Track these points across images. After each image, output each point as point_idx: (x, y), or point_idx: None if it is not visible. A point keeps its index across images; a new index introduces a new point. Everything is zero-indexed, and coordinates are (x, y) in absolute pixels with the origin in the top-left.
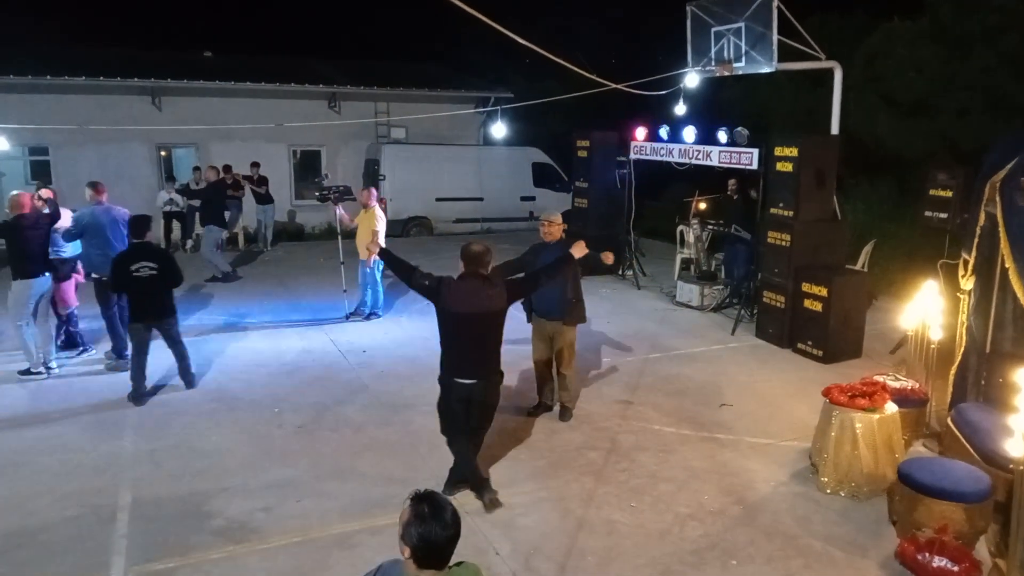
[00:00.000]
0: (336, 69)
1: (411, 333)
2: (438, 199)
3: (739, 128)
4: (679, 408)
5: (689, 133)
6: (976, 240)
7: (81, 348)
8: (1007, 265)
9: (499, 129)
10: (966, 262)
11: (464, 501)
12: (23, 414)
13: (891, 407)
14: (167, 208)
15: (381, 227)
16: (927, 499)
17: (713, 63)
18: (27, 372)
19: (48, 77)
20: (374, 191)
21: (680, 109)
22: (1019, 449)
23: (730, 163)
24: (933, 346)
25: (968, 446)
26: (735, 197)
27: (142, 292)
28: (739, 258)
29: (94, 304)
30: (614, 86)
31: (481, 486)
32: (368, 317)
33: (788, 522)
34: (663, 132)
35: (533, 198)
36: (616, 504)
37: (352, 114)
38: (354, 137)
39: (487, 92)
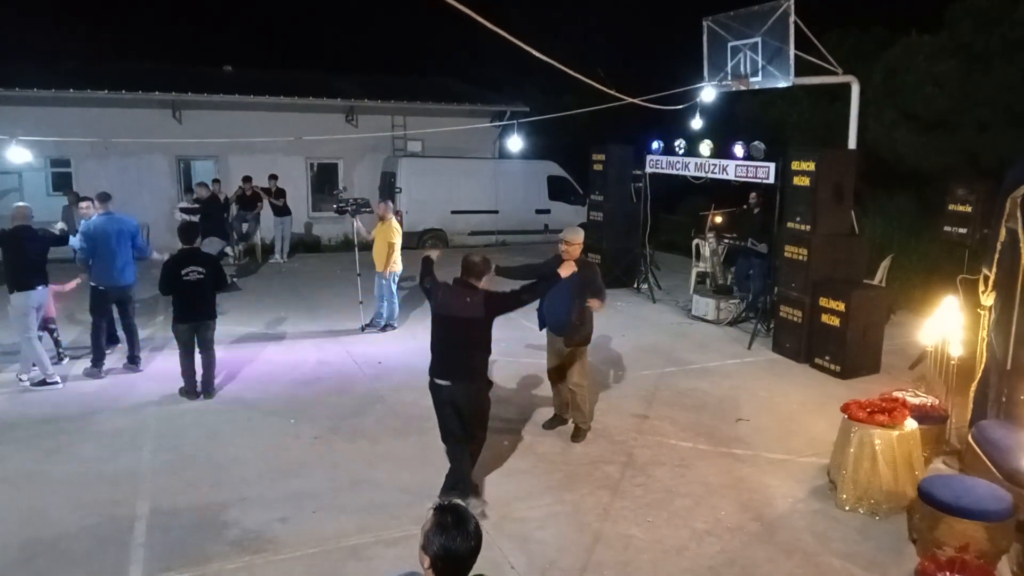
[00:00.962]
0: (354, 83)
1: (426, 345)
2: (454, 212)
3: (756, 142)
4: (696, 423)
5: (705, 147)
6: (996, 255)
7: (58, 358)
8: None
9: (515, 142)
10: (986, 277)
11: (480, 514)
12: (38, 424)
13: (911, 424)
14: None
15: (397, 240)
16: (948, 517)
17: (730, 77)
18: (42, 383)
19: (71, 91)
20: (391, 204)
21: (696, 123)
22: None
23: (746, 177)
24: (953, 362)
25: (989, 464)
26: (756, 211)
27: (190, 295)
28: (754, 272)
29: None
30: (631, 100)
31: (467, 494)
32: (384, 329)
33: (807, 539)
34: (679, 146)
35: (548, 211)
36: (632, 519)
37: (369, 127)
38: (371, 150)
39: (503, 106)
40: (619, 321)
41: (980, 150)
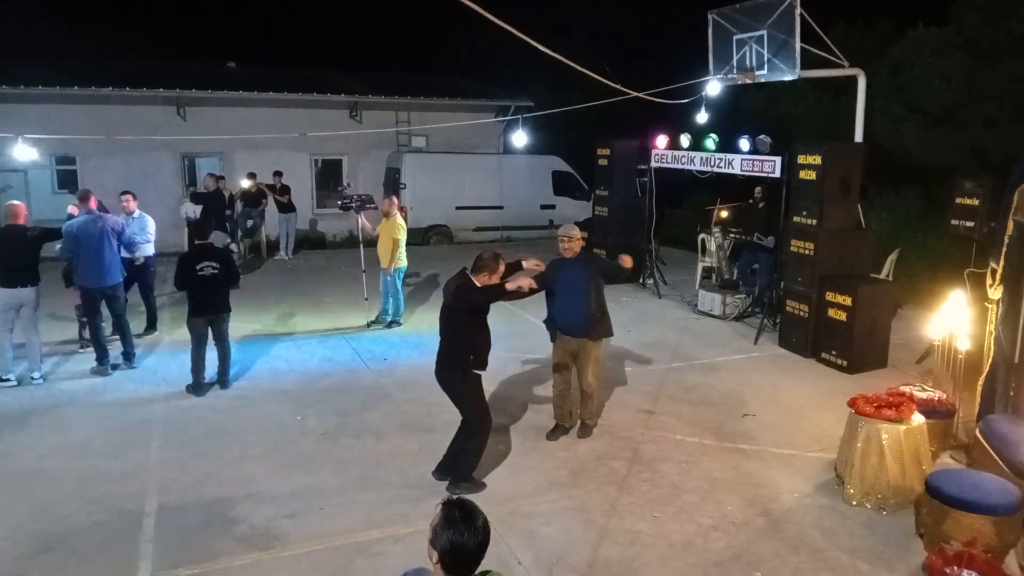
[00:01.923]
0: (357, 79)
1: (432, 341)
2: (458, 207)
3: (761, 136)
4: (702, 418)
5: (711, 141)
6: (1004, 249)
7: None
8: None
9: (519, 138)
10: (994, 271)
11: (489, 510)
12: (46, 420)
13: (918, 418)
14: (191, 216)
15: (402, 236)
16: (955, 511)
17: (735, 71)
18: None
19: (76, 88)
20: (395, 200)
21: (702, 117)
22: None
23: (752, 171)
24: (960, 356)
25: (997, 458)
26: (761, 205)
27: (205, 290)
28: (760, 266)
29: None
30: (636, 94)
31: (443, 472)
32: (389, 325)
33: (814, 534)
34: (684, 140)
35: (553, 206)
36: (639, 514)
37: (373, 123)
38: (375, 146)
39: (507, 101)
40: (625, 316)
41: (987, 144)
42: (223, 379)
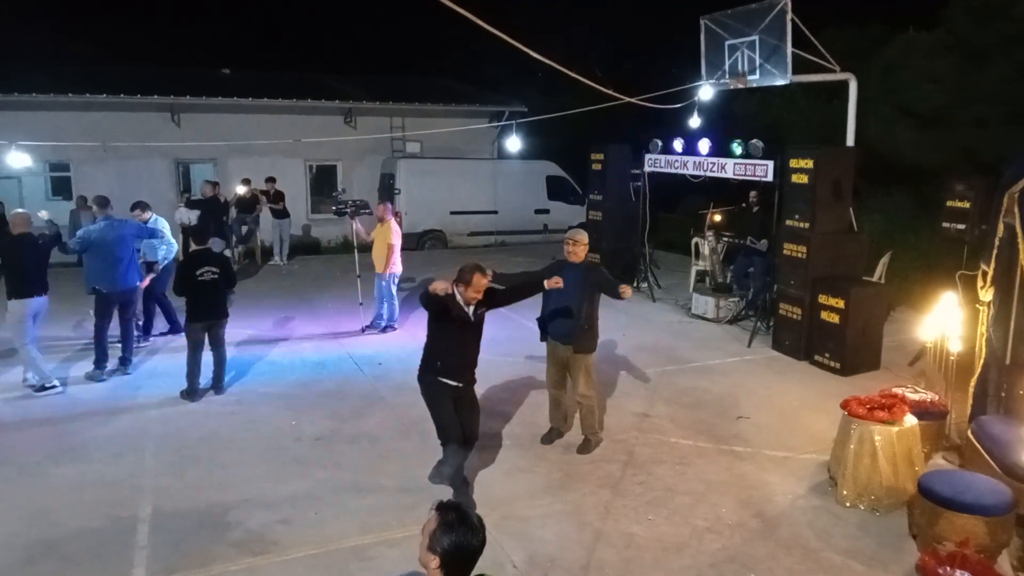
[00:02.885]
0: (352, 85)
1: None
2: (453, 212)
3: (754, 140)
4: (696, 421)
5: (704, 145)
6: (995, 251)
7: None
8: None
9: (513, 143)
10: (985, 273)
11: (483, 513)
12: (41, 426)
13: (910, 420)
14: (186, 222)
15: (397, 241)
16: (948, 512)
17: (727, 76)
18: (42, 388)
19: (70, 95)
20: (390, 205)
21: (695, 122)
22: None
23: (745, 175)
24: (952, 358)
25: (989, 459)
26: (755, 209)
27: (204, 295)
28: (754, 269)
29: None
30: (629, 99)
31: (436, 475)
32: (384, 330)
33: (807, 536)
34: (678, 145)
35: (547, 211)
36: (633, 517)
37: (368, 129)
38: (369, 152)
39: (501, 106)
40: (619, 320)
41: (978, 146)
42: (218, 384)
